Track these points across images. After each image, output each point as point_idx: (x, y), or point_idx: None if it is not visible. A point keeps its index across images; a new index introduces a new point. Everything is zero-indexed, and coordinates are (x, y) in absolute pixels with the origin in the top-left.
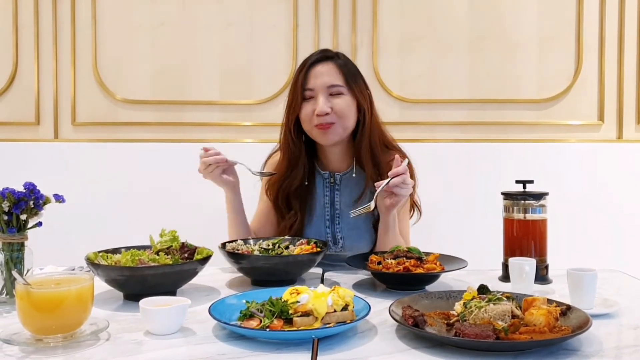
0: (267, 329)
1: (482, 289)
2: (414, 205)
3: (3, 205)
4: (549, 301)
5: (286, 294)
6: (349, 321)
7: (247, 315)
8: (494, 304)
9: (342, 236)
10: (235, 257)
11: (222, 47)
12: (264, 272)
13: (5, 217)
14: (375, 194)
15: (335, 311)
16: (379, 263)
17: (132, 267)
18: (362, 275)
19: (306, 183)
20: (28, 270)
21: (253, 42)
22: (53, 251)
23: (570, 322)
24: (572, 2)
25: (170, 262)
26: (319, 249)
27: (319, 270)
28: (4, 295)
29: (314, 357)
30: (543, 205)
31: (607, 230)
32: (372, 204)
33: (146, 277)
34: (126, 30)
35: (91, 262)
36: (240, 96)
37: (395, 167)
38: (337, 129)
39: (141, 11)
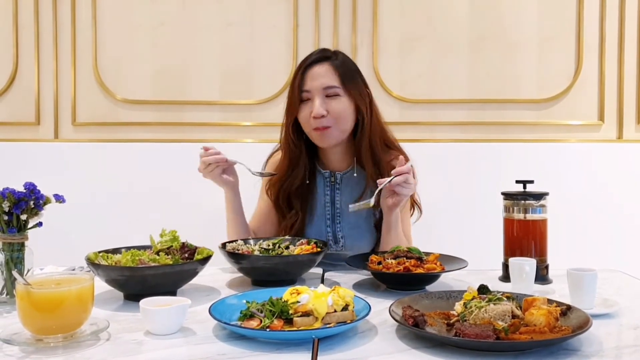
0: (268, 329)
1: (483, 289)
2: (414, 204)
3: (3, 206)
4: (549, 301)
5: (286, 294)
6: (349, 321)
7: (248, 316)
8: (494, 304)
9: (342, 235)
10: (235, 257)
11: (222, 47)
12: (264, 272)
13: (6, 217)
14: (377, 190)
15: (335, 311)
16: (379, 263)
17: (132, 267)
18: (362, 275)
19: (307, 182)
20: (28, 271)
21: (253, 42)
22: (53, 251)
23: (570, 322)
24: (572, 2)
25: (171, 262)
26: (319, 249)
27: (319, 270)
28: (4, 295)
29: (314, 357)
30: (543, 205)
31: (607, 230)
32: (372, 201)
33: (146, 277)
34: (126, 30)
35: (91, 262)
36: (240, 96)
37: (399, 166)
38: (334, 132)
39: (141, 11)
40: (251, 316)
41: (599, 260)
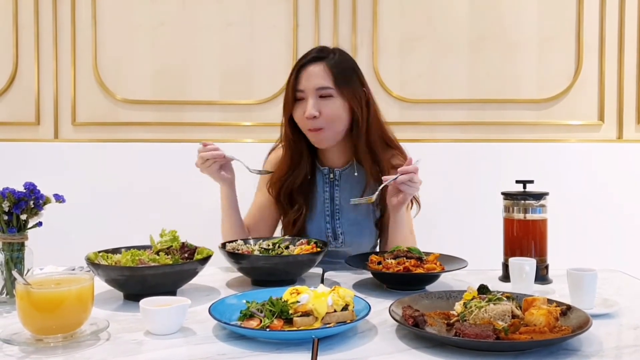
0: (267, 329)
1: (482, 289)
2: (413, 199)
3: (3, 205)
4: (549, 301)
5: (286, 294)
6: (349, 321)
7: (247, 315)
8: (494, 304)
9: (342, 231)
10: (235, 257)
11: (222, 47)
12: (264, 272)
13: (6, 217)
14: (380, 187)
15: (335, 311)
16: (379, 263)
17: (132, 267)
18: (362, 275)
19: (309, 177)
20: (28, 270)
21: (253, 42)
22: (53, 251)
23: (570, 322)
24: (572, 2)
25: (171, 262)
26: (319, 249)
27: (319, 270)
28: (4, 295)
29: (314, 357)
30: (543, 205)
31: (607, 230)
32: (374, 196)
33: (146, 277)
34: (126, 30)
35: (91, 262)
36: (240, 96)
37: (406, 165)
38: (327, 134)
39: (141, 11)
40: (251, 316)
41: (599, 260)
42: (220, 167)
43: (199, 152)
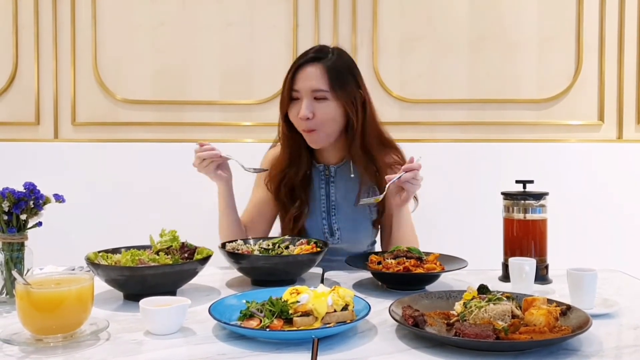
0: (267, 329)
1: (482, 289)
2: None
3: (3, 205)
4: (549, 301)
5: (286, 293)
6: (349, 321)
7: (247, 315)
8: (494, 303)
9: (338, 227)
10: (235, 257)
11: (222, 47)
12: (264, 272)
13: (5, 217)
14: (387, 186)
15: (335, 311)
16: (379, 263)
17: (132, 267)
18: (362, 275)
19: (308, 172)
20: (28, 270)
21: (253, 42)
22: (53, 251)
23: (570, 322)
24: (572, 2)
25: (170, 262)
26: (319, 249)
27: (319, 270)
28: (4, 295)
29: (314, 357)
30: (543, 205)
31: (607, 230)
32: (381, 196)
33: (146, 277)
34: (126, 30)
35: (91, 262)
36: (240, 96)
37: (409, 163)
38: (320, 135)
39: (141, 11)
40: (251, 316)
41: (599, 260)
42: (217, 166)
43: (195, 152)
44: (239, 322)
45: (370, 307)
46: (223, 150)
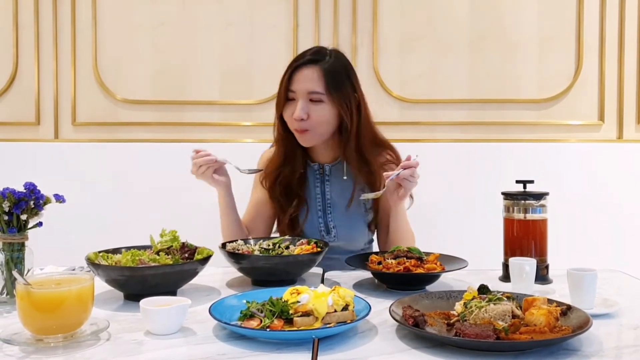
0: (268, 329)
1: (483, 289)
2: None
3: (3, 206)
4: (549, 301)
5: (286, 294)
6: (349, 321)
7: (248, 315)
8: (494, 304)
9: (334, 225)
10: (235, 257)
11: (222, 47)
12: (264, 272)
13: (6, 217)
14: (385, 182)
15: (335, 311)
16: (379, 263)
17: (132, 267)
18: (362, 275)
19: (302, 171)
20: (28, 271)
21: (253, 42)
22: (53, 251)
23: (570, 322)
24: (572, 2)
25: (171, 262)
26: (319, 249)
27: (319, 270)
28: (4, 295)
29: (314, 357)
30: (543, 205)
31: (607, 230)
32: (382, 192)
33: (146, 277)
34: (126, 30)
35: (91, 262)
36: (240, 96)
37: (406, 160)
38: (313, 135)
39: (141, 11)
40: (251, 316)
41: (599, 260)
42: (214, 171)
43: (191, 159)
44: (239, 322)
45: (370, 307)
46: (219, 155)
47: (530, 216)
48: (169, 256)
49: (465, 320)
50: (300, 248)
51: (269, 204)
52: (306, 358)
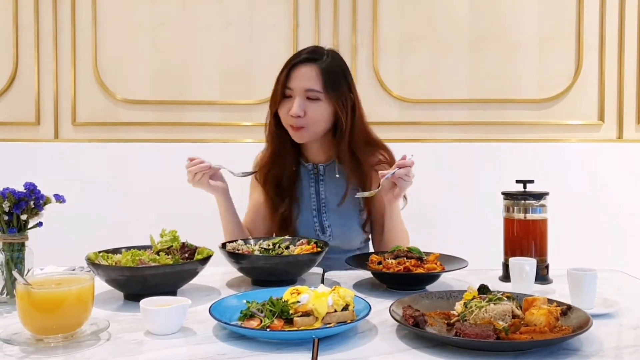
0: (268, 329)
1: (483, 289)
2: None
3: (3, 206)
4: (550, 301)
5: (286, 294)
6: (349, 321)
7: (248, 315)
8: (494, 303)
9: (329, 224)
10: (235, 257)
11: (222, 47)
12: (264, 272)
13: (6, 217)
14: (382, 179)
15: (335, 311)
16: (379, 263)
17: (132, 267)
18: (362, 275)
19: (294, 169)
20: (28, 271)
21: (253, 42)
22: (53, 251)
23: (570, 322)
24: (572, 2)
25: (171, 262)
26: (319, 249)
27: (319, 270)
28: (4, 295)
29: (314, 357)
30: (543, 205)
31: (607, 230)
32: (377, 190)
33: (147, 277)
34: (126, 30)
35: (91, 262)
36: (240, 96)
37: (402, 160)
38: (307, 132)
39: (141, 11)
40: (251, 316)
41: (599, 260)
42: (210, 177)
43: (186, 168)
44: (239, 322)
45: (370, 307)
46: (212, 160)
47: (530, 216)
48: (169, 256)
49: (465, 320)
50: (300, 248)
51: (267, 204)
52: (306, 358)
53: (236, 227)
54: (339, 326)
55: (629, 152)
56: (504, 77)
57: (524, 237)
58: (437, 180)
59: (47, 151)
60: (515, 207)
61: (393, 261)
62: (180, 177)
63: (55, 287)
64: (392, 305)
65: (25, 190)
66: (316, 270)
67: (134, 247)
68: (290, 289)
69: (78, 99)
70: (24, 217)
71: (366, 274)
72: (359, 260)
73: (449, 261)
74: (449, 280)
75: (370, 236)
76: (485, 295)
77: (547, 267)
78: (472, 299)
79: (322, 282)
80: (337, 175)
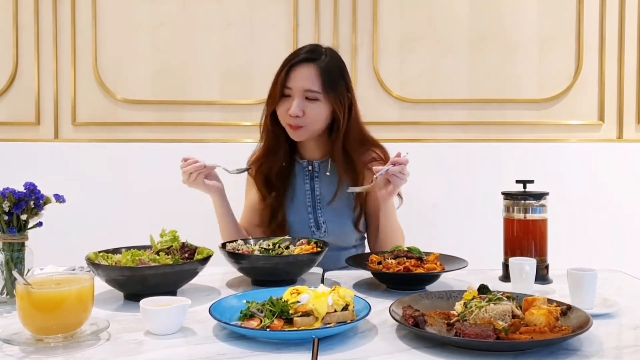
0: (268, 329)
1: (483, 289)
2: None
3: (3, 206)
4: (549, 301)
5: (286, 294)
6: (349, 321)
7: (248, 315)
8: (494, 303)
9: (324, 220)
10: (235, 257)
11: (222, 47)
12: (264, 272)
13: (6, 217)
14: (375, 176)
15: (335, 311)
16: (379, 263)
17: (132, 267)
18: (362, 275)
19: (284, 165)
20: (28, 271)
21: (253, 42)
22: (53, 251)
23: (570, 322)
24: (572, 2)
25: (171, 262)
26: (319, 249)
27: (319, 270)
28: (4, 295)
29: (314, 357)
30: (543, 205)
31: (607, 230)
32: (371, 186)
33: (146, 277)
34: (126, 30)
35: (91, 262)
36: (240, 96)
37: (396, 157)
38: (306, 131)
39: (141, 11)
40: (251, 316)
41: (599, 260)
42: (205, 177)
43: (181, 168)
44: (239, 322)
45: (370, 307)
46: (207, 159)
47: (530, 216)
48: (169, 256)
49: (465, 320)
50: (300, 248)
51: (260, 200)
52: (306, 358)
53: (233, 228)
54: (339, 326)
55: (629, 152)
56: (504, 77)
57: (524, 237)
58: (437, 180)
59: (47, 151)
60: (515, 207)
61: (393, 261)
62: (180, 177)
63: (55, 287)
64: (392, 305)
65: (25, 190)
66: (316, 270)
67: (134, 247)
68: (290, 289)
69: (78, 99)
70: (24, 217)
71: (366, 274)
72: (359, 260)
73: (448, 261)
74: (448, 280)
75: (365, 234)
76: (485, 295)
77: (547, 267)
78: (472, 299)
79: (322, 282)
80: (328, 173)
